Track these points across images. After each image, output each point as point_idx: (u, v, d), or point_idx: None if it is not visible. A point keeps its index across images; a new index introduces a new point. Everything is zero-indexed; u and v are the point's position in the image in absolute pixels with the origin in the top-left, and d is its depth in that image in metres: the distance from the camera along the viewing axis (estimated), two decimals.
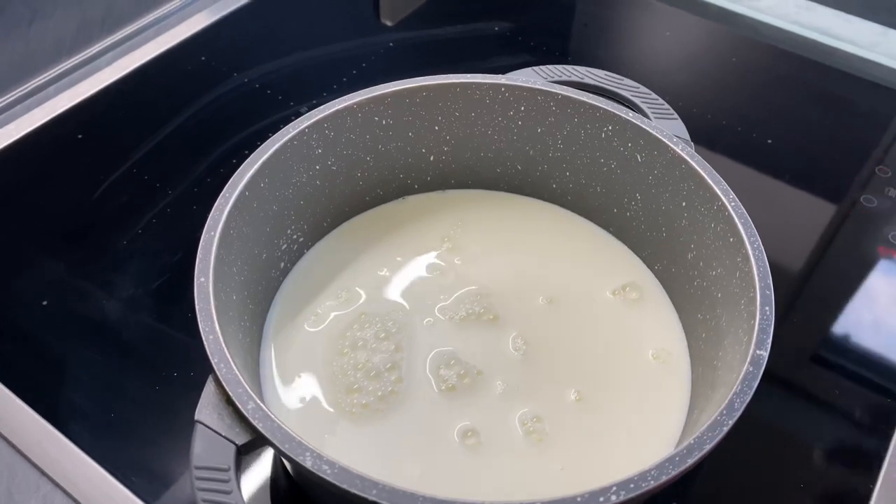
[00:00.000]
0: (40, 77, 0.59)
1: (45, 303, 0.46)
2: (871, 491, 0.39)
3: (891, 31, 0.67)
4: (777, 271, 0.35)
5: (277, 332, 0.41)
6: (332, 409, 0.38)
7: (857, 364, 0.45)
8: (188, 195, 0.53)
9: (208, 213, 0.50)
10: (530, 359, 0.40)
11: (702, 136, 0.42)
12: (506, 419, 0.37)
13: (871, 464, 0.40)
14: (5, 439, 0.40)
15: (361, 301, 0.42)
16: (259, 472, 0.39)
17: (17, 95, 0.58)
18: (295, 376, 0.39)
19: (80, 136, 0.56)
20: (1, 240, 0.50)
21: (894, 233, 0.52)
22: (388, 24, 0.70)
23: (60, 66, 0.60)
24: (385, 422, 0.37)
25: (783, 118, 0.61)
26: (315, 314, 0.41)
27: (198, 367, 0.43)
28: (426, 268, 0.44)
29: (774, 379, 0.44)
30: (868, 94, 0.64)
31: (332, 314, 0.41)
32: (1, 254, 0.49)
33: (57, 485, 0.39)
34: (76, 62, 0.61)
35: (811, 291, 0.50)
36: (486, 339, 0.40)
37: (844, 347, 0.46)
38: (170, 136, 0.57)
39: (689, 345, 0.40)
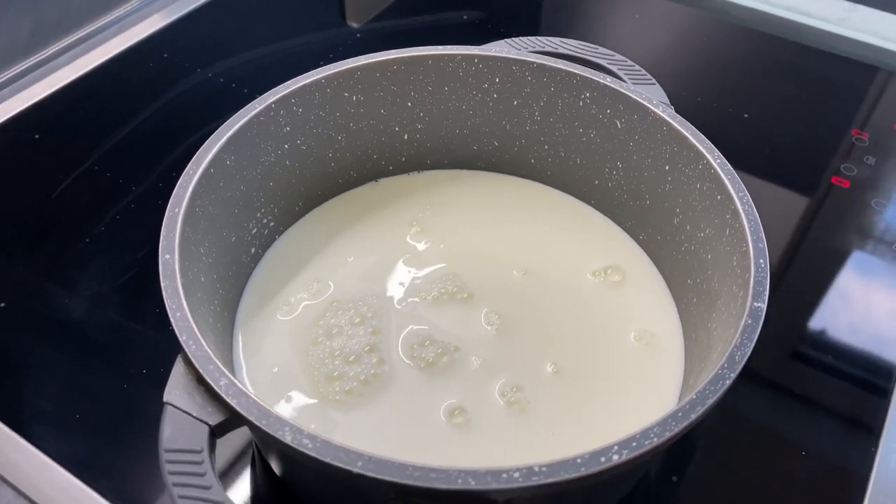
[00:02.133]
0: None
1: (2, 305, 0.44)
2: (858, 486, 0.38)
3: (858, 6, 0.67)
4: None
5: (249, 321, 0.39)
6: (314, 400, 0.36)
7: (838, 357, 0.44)
8: (153, 191, 0.50)
9: None
10: (504, 333, 0.38)
11: (680, 112, 0.41)
12: (486, 393, 0.36)
13: (857, 459, 0.39)
14: None
15: (331, 290, 0.40)
16: (239, 479, 0.37)
17: None
18: (271, 368, 0.37)
19: (37, 136, 0.54)
20: None
21: (877, 199, 0.52)
22: (355, 25, 0.68)
23: (15, 68, 0.58)
24: (370, 406, 0.35)
25: (758, 94, 0.61)
26: (287, 303, 0.40)
27: (168, 364, 0.41)
28: (397, 252, 0.42)
29: (756, 376, 0.43)
30: (839, 68, 0.64)
31: (304, 304, 0.39)
32: None
33: (20, 492, 0.36)
34: (32, 63, 0.59)
35: (795, 273, 0.48)
36: (459, 317, 0.39)
37: (826, 337, 0.45)
38: (133, 132, 0.55)
39: (680, 311, 0.39)
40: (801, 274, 0.48)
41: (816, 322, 0.45)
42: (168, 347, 0.41)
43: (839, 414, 0.42)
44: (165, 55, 0.61)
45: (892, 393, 0.42)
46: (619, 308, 0.39)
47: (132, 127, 0.55)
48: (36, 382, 0.40)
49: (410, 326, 0.38)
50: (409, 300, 0.39)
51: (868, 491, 0.38)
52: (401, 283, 0.41)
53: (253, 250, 0.40)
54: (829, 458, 0.39)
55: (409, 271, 0.41)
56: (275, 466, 0.35)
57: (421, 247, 0.43)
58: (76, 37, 0.61)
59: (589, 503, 0.33)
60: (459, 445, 0.34)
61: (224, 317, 0.37)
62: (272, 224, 0.41)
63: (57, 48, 0.60)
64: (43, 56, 0.59)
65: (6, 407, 0.39)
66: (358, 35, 0.65)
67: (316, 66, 0.60)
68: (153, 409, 0.39)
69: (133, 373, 0.41)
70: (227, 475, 0.37)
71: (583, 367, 0.37)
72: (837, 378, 0.43)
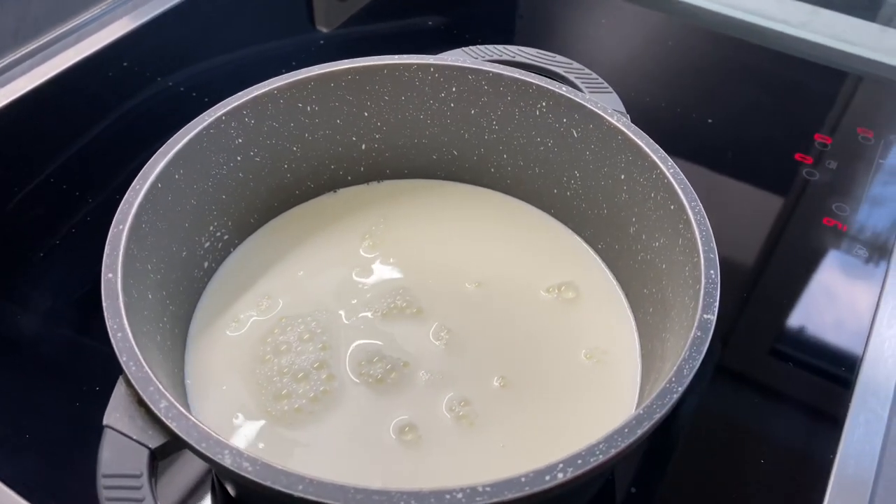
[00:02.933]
0: None
1: None
2: (823, 472, 0.38)
3: (820, 9, 0.67)
4: (724, 253, 0.34)
5: (200, 338, 0.38)
6: (262, 419, 0.35)
7: (803, 351, 0.44)
8: (110, 203, 0.48)
9: None
10: (453, 347, 0.38)
11: (641, 119, 0.41)
12: (435, 408, 0.35)
13: (821, 447, 0.40)
14: None
15: (280, 306, 0.40)
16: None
17: None
18: (220, 386, 0.36)
19: None
20: None
21: (838, 203, 0.52)
22: (324, 30, 0.68)
23: None
24: (320, 424, 0.35)
25: (721, 98, 0.61)
26: (236, 320, 0.39)
27: None
28: (348, 266, 0.42)
29: (728, 372, 0.43)
30: (802, 72, 0.64)
31: (252, 320, 0.39)
32: None
33: None
34: None
35: (760, 276, 0.49)
36: (409, 332, 0.39)
37: (799, 334, 0.45)
38: (90, 143, 0.54)
39: (637, 321, 0.39)
40: (766, 274, 0.48)
41: (782, 319, 0.46)
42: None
43: (805, 404, 0.42)
44: (125, 64, 0.60)
45: (854, 384, 0.42)
46: (571, 326, 0.39)
47: (90, 138, 0.54)
48: None
49: (359, 342, 0.38)
50: (360, 315, 0.39)
51: (832, 475, 0.38)
52: (351, 298, 0.40)
53: (206, 264, 0.40)
54: (796, 447, 0.40)
55: (360, 286, 0.41)
56: (230, 489, 0.35)
57: (373, 260, 0.42)
58: (32, 46, 0.60)
59: None
60: (410, 462, 0.33)
61: (175, 334, 0.36)
62: (226, 237, 0.41)
63: (13, 58, 0.59)
64: None
65: None
66: (322, 42, 0.64)
67: (279, 72, 0.60)
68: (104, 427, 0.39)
69: (86, 390, 0.40)
70: (188, 499, 0.37)
71: (531, 383, 0.37)
72: (803, 370, 0.44)
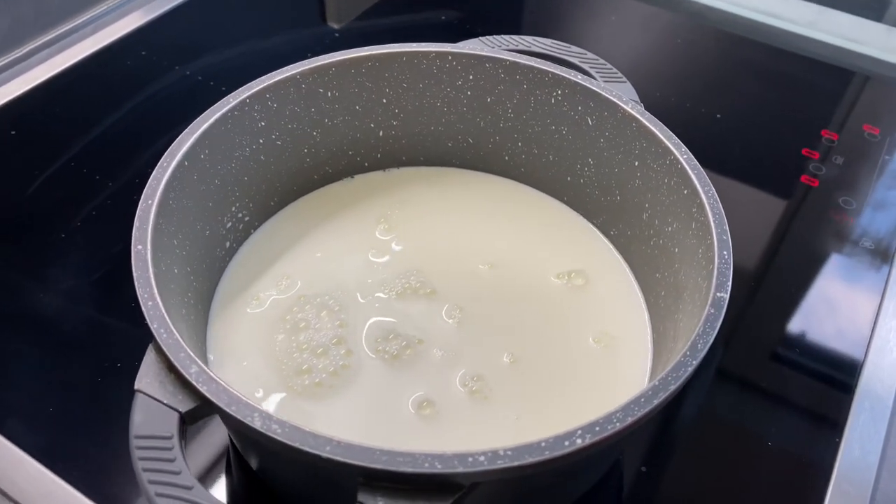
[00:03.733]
0: None
1: None
2: (823, 476, 0.39)
3: (827, 9, 0.68)
4: (731, 245, 0.34)
5: (221, 315, 0.39)
6: (283, 393, 0.36)
7: (805, 355, 0.45)
8: (129, 187, 0.50)
9: None
10: (465, 326, 0.39)
11: (652, 112, 0.42)
12: (449, 383, 0.36)
13: (822, 451, 0.40)
14: None
15: (299, 286, 0.40)
16: (215, 480, 0.37)
17: None
18: (241, 362, 0.37)
19: (13, 133, 0.54)
20: None
21: (845, 198, 0.53)
22: (335, 26, 0.69)
23: None
24: (339, 398, 0.36)
25: (730, 95, 0.62)
26: (256, 298, 0.40)
27: (142, 358, 0.41)
28: (364, 248, 0.43)
29: (732, 376, 0.44)
30: (809, 70, 0.65)
31: (271, 299, 0.40)
32: None
33: None
34: (9, 60, 0.59)
35: (767, 270, 0.49)
36: (422, 311, 0.40)
37: (802, 340, 0.46)
38: (110, 129, 0.55)
39: (649, 305, 0.40)
40: (770, 271, 0.49)
41: (785, 320, 0.46)
42: (142, 341, 0.42)
43: (806, 408, 0.43)
44: (143, 53, 0.61)
45: (855, 388, 0.43)
46: (580, 311, 0.40)
47: (109, 123, 0.55)
48: (10, 376, 0.40)
49: (375, 320, 0.39)
50: (375, 294, 0.40)
51: (832, 480, 0.38)
52: (367, 279, 0.41)
53: (228, 244, 0.41)
54: (797, 450, 0.40)
55: (375, 267, 0.42)
56: (250, 460, 0.36)
57: (388, 243, 0.43)
58: (53, 34, 0.61)
59: (555, 489, 0.34)
60: (429, 435, 0.34)
61: (198, 310, 0.37)
62: (247, 219, 0.42)
63: (34, 45, 0.60)
64: (20, 53, 0.59)
65: None
66: (336, 34, 0.65)
67: (293, 63, 0.61)
68: (127, 402, 0.39)
69: (107, 366, 0.41)
70: (204, 476, 0.37)
71: (539, 362, 0.38)
72: (804, 374, 0.44)
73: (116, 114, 0.56)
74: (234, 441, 0.37)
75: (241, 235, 0.42)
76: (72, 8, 0.63)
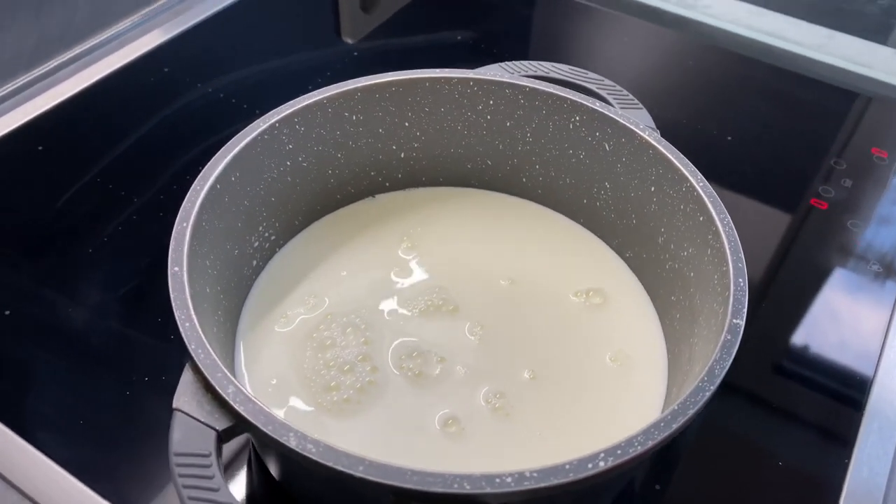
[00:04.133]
0: None
1: (7, 312, 0.45)
2: (832, 495, 0.39)
3: (835, 33, 0.70)
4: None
5: (249, 333, 0.40)
6: (312, 408, 0.37)
7: (815, 371, 0.46)
8: (154, 203, 0.52)
9: (175, 219, 0.50)
10: (486, 342, 0.40)
11: (665, 134, 0.43)
12: (473, 401, 0.37)
13: (831, 469, 0.41)
14: None
15: (326, 304, 0.42)
16: (235, 481, 0.38)
17: None
18: (270, 380, 0.38)
19: (40, 148, 0.55)
20: None
21: (853, 220, 0.54)
22: (349, 41, 0.70)
23: (18, 81, 0.59)
24: (366, 415, 0.37)
25: (741, 117, 0.63)
26: (284, 316, 0.41)
27: (169, 371, 0.42)
28: (388, 266, 0.44)
29: (738, 390, 0.44)
30: (818, 93, 0.66)
31: (299, 318, 0.41)
32: None
33: (25, 495, 0.37)
34: (35, 76, 0.60)
35: (774, 290, 0.50)
36: (445, 328, 0.41)
37: (811, 353, 0.47)
38: (134, 145, 0.56)
39: (664, 327, 0.41)
40: (781, 291, 0.50)
41: (795, 337, 0.47)
42: (169, 355, 0.43)
43: (815, 425, 0.44)
44: (166, 69, 0.63)
45: (865, 405, 0.44)
46: (597, 330, 0.41)
47: (134, 139, 0.56)
48: (41, 388, 0.42)
49: (400, 339, 0.40)
50: (399, 312, 0.41)
51: (841, 500, 0.39)
52: (390, 297, 0.42)
53: (255, 263, 0.42)
54: (806, 468, 0.41)
55: (399, 285, 0.43)
56: (273, 469, 0.37)
57: (410, 261, 0.44)
58: (78, 51, 0.63)
59: None
60: (454, 453, 0.35)
61: (227, 327, 0.38)
62: (273, 238, 0.43)
63: (59, 61, 0.62)
64: (46, 69, 0.61)
65: (12, 412, 0.40)
66: (355, 53, 0.67)
67: (313, 82, 0.62)
68: (154, 414, 0.41)
69: (135, 380, 0.42)
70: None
71: (558, 379, 0.39)
72: (814, 391, 0.45)
73: (140, 130, 0.57)
74: (258, 450, 0.38)
75: (268, 254, 0.43)
76: (96, 25, 0.64)
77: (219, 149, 0.56)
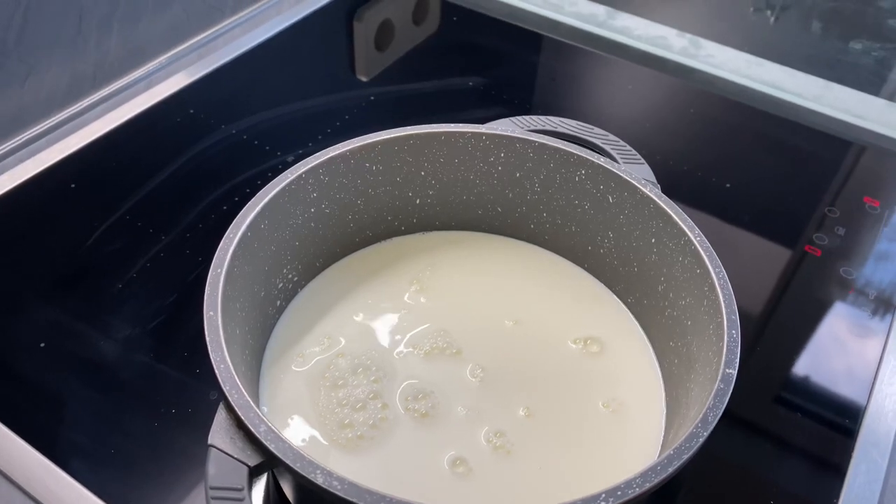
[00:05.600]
0: (33, 130, 0.62)
1: (42, 345, 0.47)
2: None
3: (833, 84, 0.73)
4: (738, 309, 0.38)
5: (270, 371, 0.42)
6: (326, 443, 0.39)
7: (809, 401, 0.48)
8: (180, 241, 0.55)
9: (200, 257, 0.53)
10: (487, 384, 0.43)
11: (665, 181, 0.46)
12: (475, 440, 0.40)
13: (824, 495, 0.43)
14: (7, 478, 0.41)
15: (340, 346, 0.44)
16: None
17: (9, 147, 0.60)
18: (288, 417, 0.41)
19: (73, 186, 0.58)
20: None
21: (845, 268, 0.56)
22: (364, 79, 0.73)
23: (52, 120, 0.63)
24: (378, 451, 0.39)
25: (739, 164, 0.66)
26: (301, 355, 0.44)
27: (195, 404, 0.45)
28: (397, 309, 0.46)
29: (737, 420, 0.46)
30: (814, 142, 0.69)
31: (315, 359, 0.43)
32: None
33: None
34: (67, 115, 0.63)
35: (770, 332, 0.53)
36: (448, 370, 0.43)
37: (806, 388, 0.49)
38: (161, 184, 0.59)
39: (663, 371, 0.43)
40: (776, 334, 0.53)
41: (790, 372, 0.50)
42: (194, 389, 0.46)
43: (808, 453, 0.46)
44: (191, 111, 0.66)
45: (857, 434, 0.46)
46: (592, 377, 0.44)
47: (162, 178, 0.59)
48: (74, 418, 0.44)
49: (407, 381, 0.43)
50: (406, 354, 0.44)
51: None
52: (400, 339, 0.45)
53: (278, 303, 0.44)
54: (799, 494, 0.43)
55: (407, 327, 0.45)
56: (293, 498, 0.39)
57: (419, 304, 0.47)
58: (109, 90, 0.66)
59: None
60: (462, 491, 0.38)
61: (252, 365, 0.41)
62: (295, 279, 0.45)
63: (91, 100, 0.65)
64: (78, 108, 0.64)
65: (46, 440, 0.42)
66: (371, 98, 0.70)
67: (331, 125, 0.65)
68: (181, 445, 0.43)
69: (163, 412, 0.44)
70: None
71: (553, 418, 0.41)
72: (807, 419, 0.47)
73: (166, 170, 0.60)
74: (279, 480, 0.40)
75: (290, 294, 0.46)
76: (126, 66, 0.67)
77: (242, 188, 0.59)
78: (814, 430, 0.47)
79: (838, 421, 0.47)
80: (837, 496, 0.43)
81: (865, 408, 0.48)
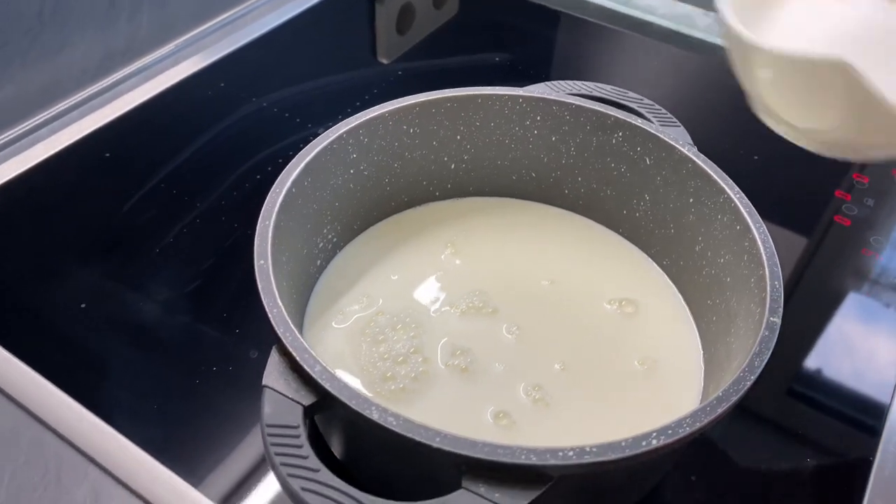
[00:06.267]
0: (67, 101, 0.62)
1: (83, 306, 0.48)
2: None
3: None
4: None
5: (311, 327, 0.43)
6: (370, 394, 0.40)
7: (831, 396, 0.47)
8: (216, 208, 0.55)
9: (235, 223, 0.54)
10: (522, 341, 0.43)
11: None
12: (515, 394, 0.41)
13: (848, 495, 0.42)
14: (53, 430, 0.42)
15: (379, 304, 0.45)
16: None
17: (45, 118, 0.61)
18: (333, 369, 0.41)
19: (107, 155, 0.59)
20: (37, 249, 0.52)
21: (875, 237, 0.57)
22: (385, 61, 0.74)
23: (86, 91, 0.63)
24: (421, 403, 0.40)
25: (766, 138, 0.66)
26: (342, 313, 0.44)
27: (235, 363, 0.45)
28: (433, 269, 0.47)
29: (750, 412, 0.46)
30: None
31: (355, 316, 0.44)
32: (38, 262, 0.51)
33: (105, 470, 0.40)
34: (101, 88, 0.64)
35: (797, 307, 0.51)
36: (485, 328, 0.44)
37: (821, 375, 0.48)
38: (195, 154, 0.59)
39: (700, 329, 0.44)
40: (803, 308, 0.53)
41: (813, 359, 0.49)
42: (234, 347, 0.46)
43: (831, 451, 0.45)
44: (222, 84, 0.66)
45: (882, 432, 0.45)
46: (626, 336, 0.44)
47: (194, 149, 0.60)
48: (117, 376, 0.45)
49: (445, 338, 0.43)
50: (443, 312, 0.44)
51: None
52: (436, 298, 0.45)
53: (318, 262, 0.45)
54: (822, 494, 0.42)
55: (443, 288, 0.46)
56: (338, 449, 0.39)
57: (454, 266, 0.47)
58: (141, 64, 0.67)
59: (619, 493, 0.37)
60: (506, 440, 0.38)
61: (296, 322, 0.41)
62: (335, 240, 0.46)
63: (124, 73, 0.65)
64: (111, 81, 0.65)
65: (91, 396, 0.43)
66: (399, 72, 0.70)
67: (360, 98, 0.66)
68: (222, 401, 0.44)
69: (203, 370, 0.45)
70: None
71: (588, 372, 0.42)
72: (830, 416, 0.47)
73: (199, 140, 0.61)
74: (323, 432, 0.40)
75: (330, 255, 0.46)
76: (157, 41, 0.68)
77: (274, 158, 0.59)
78: (835, 425, 0.46)
79: (861, 417, 0.46)
80: (863, 496, 0.42)
81: (891, 402, 0.46)
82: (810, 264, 0.56)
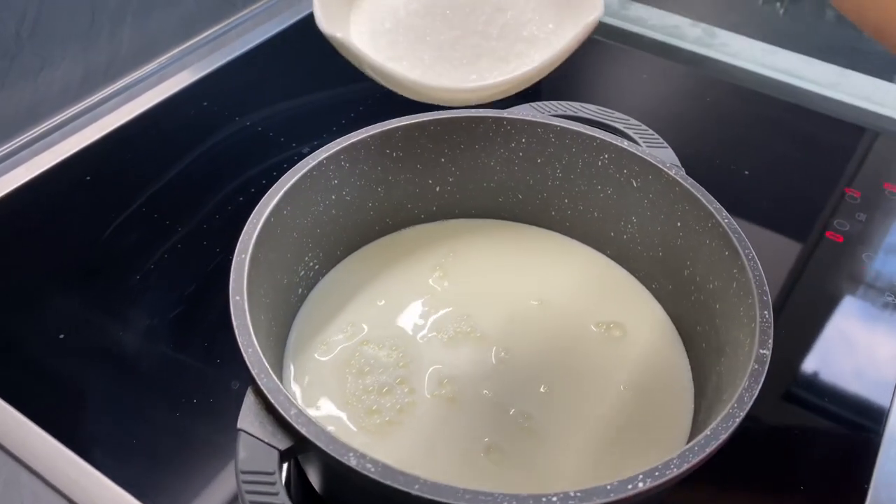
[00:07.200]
0: (47, 123, 0.61)
1: (62, 336, 0.47)
2: None
3: (848, 71, 0.72)
4: None
5: (294, 358, 0.42)
6: (355, 429, 0.39)
7: (829, 400, 0.47)
8: (198, 231, 0.54)
9: (218, 248, 0.53)
10: (510, 366, 0.42)
11: (684, 167, 0.45)
12: (503, 423, 0.40)
13: (849, 498, 0.42)
14: (29, 468, 0.41)
15: (364, 332, 0.44)
16: None
17: (25, 140, 0.60)
18: (316, 402, 0.40)
19: (88, 178, 0.58)
20: (15, 276, 0.51)
21: (868, 253, 0.56)
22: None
23: (66, 112, 0.62)
24: (407, 435, 0.39)
25: (757, 151, 0.65)
26: (325, 343, 0.43)
27: (216, 394, 0.45)
28: (420, 294, 0.46)
29: (747, 417, 0.45)
30: (831, 129, 0.68)
31: (339, 347, 0.43)
32: (16, 290, 0.50)
33: None
34: (81, 108, 0.63)
35: (790, 321, 0.51)
36: (472, 354, 0.43)
37: (818, 380, 0.48)
38: (177, 176, 0.58)
39: (690, 356, 0.43)
40: (796, 321, 0.52)
41: (809, 366, 0.49)
42: (214, 378, 0.45)
43: (830, 454, 0.45)
44: (205, 103, 0.65)
45: (883, 433, 0.45)
46: (613, 360, 0.43)
47: (177, 170, 0.59)
48: (95, 408, 0.44)
49: (432, 365, 0.42)
50: (431, 339, 0.43)
51: None
52: (423, 324, 0.44)
53: (300, 291, 0.44)
54: (822, 497, 0.42)
55: (431, 313, 0.45)
56: (317, 483, 0.38)
57: (442, 290, 0.46)
58: (122, 83, 0.66)
59: None
60: (494, 472, 0.37)
61: (276, 353, 0.40)
62: (317, 267, 0.45)
63: (105, 94, 0.64)
64: (92, 101, 0.64)
65: (68, 431, 0.42)
66: (385, 90, 0.69)
67: (345, 116, 0.65)
68: (204, 435, 0.43)
69: (184, 402, 0.44)
70: None
71: (572, 396, 0.41)
72: (829, 420, 0.46)
73: (182, 161, 0.60)
74: (303, 466, 0.39)
75: (311, 282, 0.45)
76: (139, 60, 0.67)
77: (258, 179, 0.59)
78: (835, 429, 0.46)
79: (861, 421, 0.46)
80: (864, 498, 0.42)
81: (890, 405, 0.46)
82: (800, 283, 0.55)
